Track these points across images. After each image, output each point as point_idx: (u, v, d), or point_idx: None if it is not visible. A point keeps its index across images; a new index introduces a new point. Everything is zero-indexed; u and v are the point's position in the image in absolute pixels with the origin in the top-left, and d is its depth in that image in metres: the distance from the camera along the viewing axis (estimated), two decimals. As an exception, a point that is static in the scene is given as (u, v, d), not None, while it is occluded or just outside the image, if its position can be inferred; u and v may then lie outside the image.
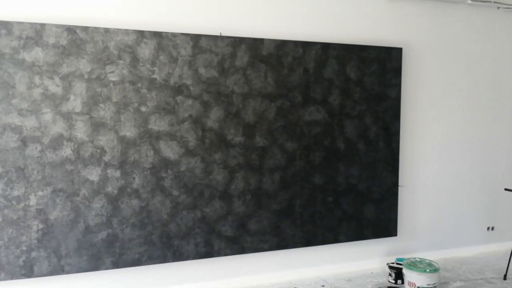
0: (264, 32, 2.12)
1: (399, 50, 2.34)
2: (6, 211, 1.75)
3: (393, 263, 2.25)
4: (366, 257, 2.41)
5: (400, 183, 2.40)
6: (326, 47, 2.18)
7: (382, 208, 2.34)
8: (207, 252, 2.04)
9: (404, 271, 2.10)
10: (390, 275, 2.22)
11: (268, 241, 2.14)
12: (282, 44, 2.10)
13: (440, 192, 2.56)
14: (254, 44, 2.05)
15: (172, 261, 1.99)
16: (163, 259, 1.98)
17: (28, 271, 1.79)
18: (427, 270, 2.03)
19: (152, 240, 1.95)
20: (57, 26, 1.77)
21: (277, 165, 2.13)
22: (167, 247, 1.97)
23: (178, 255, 1.99)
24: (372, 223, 2.33)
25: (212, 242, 2.04)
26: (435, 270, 2.04)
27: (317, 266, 2.30)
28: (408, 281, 2.07)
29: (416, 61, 2.45)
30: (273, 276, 2.21)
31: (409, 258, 2.16)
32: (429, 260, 2.14)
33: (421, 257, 2.27)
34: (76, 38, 1.79)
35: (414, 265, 2.08)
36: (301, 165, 2.17)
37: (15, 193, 1.76)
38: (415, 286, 2.04)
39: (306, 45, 2.14)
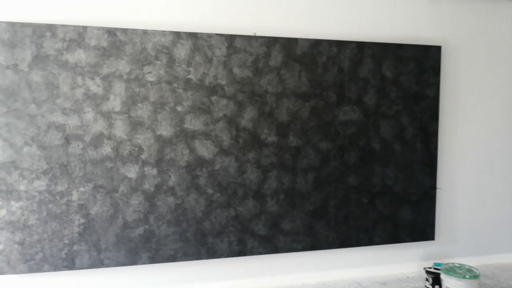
0: (298, 31, 2.12)
1: (438, 48, 2.26)
2: (50, 205, 1.83)
3: (430, 267, 2.18)
4: (402, 261, 2.35)
5: (438, 185, 2.33)
6: (361, 46, 2.15)
7: (419, 211, 2.28)
8: (240, 250, 2.06)
9: (442, 276, 2.03)
10: (427, 280, 2.16)
11: (301, 241, 2.13)
12: (316, 44, 2.09)
13: (480, 195, 2.46)
14: (288, 44, 2.05)
15: (206, 258, 2.02)
16: (197, 256, 2.01)
17: (70, 264, 1.87)
18: (467, 276, 1.95)
19: (187, 237, 1.99)
20: (98, 28, 1.84)
21: (311, 165, 2.12)
22: (201, 244, 2.01)
23: (212, 253, 2.02)
24: (409, 225, 2.27)
25: (245, 240, 2.06)
26: (475, 276, 1.96)
27: (351, 268, 2.27)
28: (446, 286, 2.00)
29: (456, 59, 2.37)
30: (306, 277, 2.20)
31: (448, 263, 2.09)
32: (469, 266, 2.06)
33: (460, 262, 2.19)
34: (116, 40, 1.86)
35: (453, 270, 2.01)
36: (335, 165, 2.15)
37: (59, 188, 1.84)
38: (453, 292, 1.97)
39: (340, 44, 2.12)
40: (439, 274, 2.09)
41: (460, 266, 2.05)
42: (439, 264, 2.15)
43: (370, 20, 2.23)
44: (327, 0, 2.16)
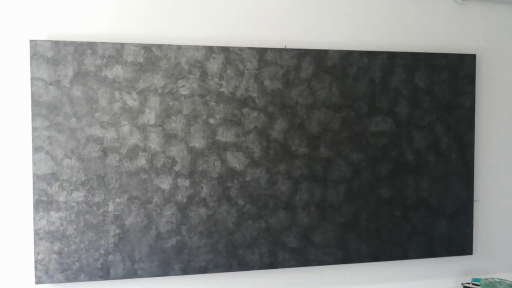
0: (328, 43, 2.13)
1: (473, 57, 2.22)
2: (87, 216, 1.89)
3: (468, 283, 2.11)
4: (438, 276, 2.27)
5: (475, 197, 2.26)
6: (392, 56, 2.13)
7: (455, 224, 2.21)
8: (271, 262, 2.05)
9: (482, 292, 1.96)
10: (465, 296, 2.08)
11: (332, 254, 2.10)
12: (347, 55, 2.09)
13: (521, 209, 2.37)
14: (319, 56, 2.06)
15: (237, 270, 2.02)
16: (228, 268, 2.01)
17: (105, 274, 1.92)
18: (509, 293, 1.87)
19: (218, 249, 2.00)
20: (135, 45, 1.91)
21: (342, 176, 2.10)
22: (232, 256, 2.01)
23: (243, 264, 2.02)
24: (445, 239, 2.20)
25: (276, 253, 2.05)
26: (518, 293, 1.88)
27: (385, 283, 2.22)
28: (487, 303, 1.92)
29: (492, 68, 2.31)
30: (338, 291, 2.17)
31: (487, 278, 2.01)
32: (510, 281, 1.98)
33: (499, 277, 2.10)
34: (151, 56, 1.92)
35: (493, 286, 1.93)
36: (367, 177, 2.12)
37: (96, 199, 1.90)
38: (495, 309, 1.89)
39: (371, 55, 2.11)
40: (478, 290, 2.02)
41: (501, 282, 1.97)
42: (478, 280, 2.08)
43: (401, 29, 2.21)
44: (357, 11, 2.17)
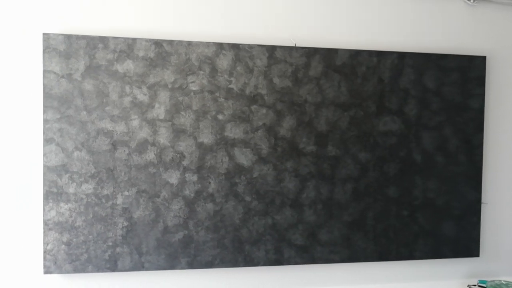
0: (338, 42, 2.14)
1: (483, 58, 2.21)
2: (96, 208, 1.91)
3: (474, 285, 2.10)
4: (444, 277, 2.26)
5: (483, 199, 2.25)
6: (402, 56, 2.13)
7: (462, 226, 2.20)
8: (277, 259, 2.06)
9: (488, 294, 1.95)
10: (471, 298, 2.07)
11: (339, 252, 2.10)
12: (356, 54, 2.09)
13: (529, 212, 2.35)
14: (328, 54, 2.07)
15: (243, 266, 2.03)
16: (234, 263, 2.02)
17: (113, 265, 1.93)
18: (516, 295, 1.86)
19: (225, 244, 2.01)
20: (147, 40, 1.93)
21: (350, 175, 2.10)
22: (239, 252, 2.02)
23: (248, 260, 2.03)
24: (452, 241, 2.19)
25: (282, 249, 2.06)
26: (525, 295, 1.87)
27: (391, 283, 2.21)
28: (493, 305, 1.91)
29: (502, 70, 2.30)
30: (343, 289, 2.17)
31: (494, 280, 2.00)
32: (517, 285, 1.97)
33: (506, 280, 2.08)
34: (162, 51, 1.94)
35: (500, 288, 1.92)
36: (375, 176, 2.12)
37: (105, 192, 1.92)
38: (501, 311, 1.88)
39: (381, 55, 2.11)
40: (484, 292, 2.01)
41: (508, 284, 1.96)
42: (484, 282, 2.06)
43: (411, 30, 2.21)
44: (367, 11, 2.17)
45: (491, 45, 2.29)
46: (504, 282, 1.97)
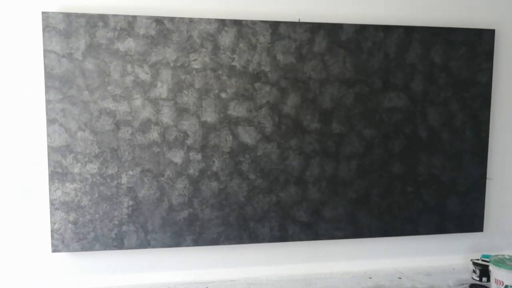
0: (343, 17, 2.08)
1: (491, 32, 2.16)
2: (101, 187, 1.93)
3: (478, 259, 2.11)
4: (448, 252, 2.28)
5: (488, 175, 2.24)
6: (409, 31, 2.08)
7: (467, 201, 2.20)
8: (282, 236, 2.08)
9: (491, 268, 1.96)
10: (474, 271, 2.09)
11: (343, 228, 2.12)
12: (361, 29, 2.04)
13: (534, 187, 2.34)
14: (333, 30, 2.02)
15: (248, 243, 2.06)
16: (239, 240, 2.05)
17: (119, 243, 1.96)
18: (519, 269, 1.88)
19: (230, 222, 2.03)
20: (147, 17, 1.89)
21: (354, 152, 2.09)
22: (244, 229, 2.04)
23: (253, 237, 2.05)
24: (456, 216, 2.20)
25: (286, 226, 2.07)
26: (528, 270, 1.88)
27: (394, 258, 2.24)
28: (495, 278, 1.93)
29: (511, 44, 2.24)
30: (347, 265, 2.20)
31: (497, 255, 2.01)
32: (521, 259, 1.98)
33: (510, 254, 2.10)
34: (163, 29, 1.90)
35: (503, 262, 1.93)
36: (380, 153, 2.11)
37: (109, 171, 1.93)
38: (503, 284, 1.90)
39: (387, 29, 2.06)
40: (487, 266, 2.02)
41: (511, 258, 1.97)
42: (487, 256, 2.08)
43: (419, 3, 2.15)
44: (373, -16, 2.11)
45: (500, 18, 2.23)
46: (507, 257, 1.98)
